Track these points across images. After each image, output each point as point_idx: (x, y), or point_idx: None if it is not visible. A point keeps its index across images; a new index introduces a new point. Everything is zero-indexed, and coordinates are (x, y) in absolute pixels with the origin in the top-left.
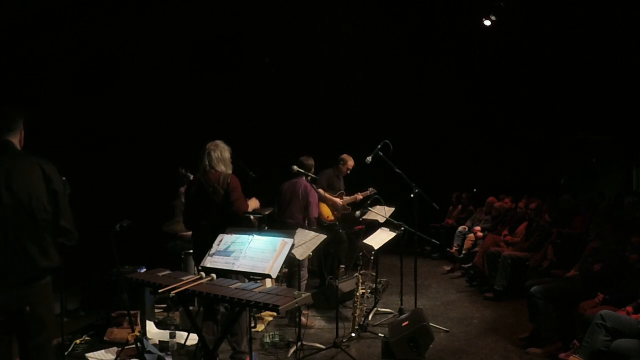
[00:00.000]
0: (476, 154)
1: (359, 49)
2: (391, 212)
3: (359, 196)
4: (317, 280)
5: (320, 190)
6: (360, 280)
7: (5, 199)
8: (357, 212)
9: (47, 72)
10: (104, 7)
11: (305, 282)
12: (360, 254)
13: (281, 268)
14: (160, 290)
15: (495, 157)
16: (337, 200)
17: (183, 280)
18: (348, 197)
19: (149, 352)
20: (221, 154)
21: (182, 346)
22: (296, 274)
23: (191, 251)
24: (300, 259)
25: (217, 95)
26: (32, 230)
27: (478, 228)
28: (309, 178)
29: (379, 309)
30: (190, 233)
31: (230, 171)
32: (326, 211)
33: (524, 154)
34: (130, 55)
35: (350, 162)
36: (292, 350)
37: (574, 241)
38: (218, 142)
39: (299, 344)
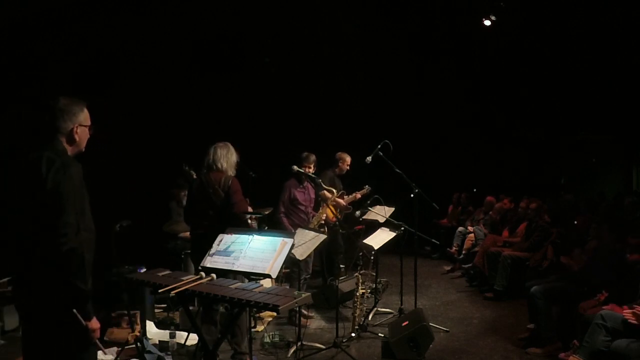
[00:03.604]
0: (476, 154)
1: (359, 49)
2: (391, 212)
3: (358, 195)
4: (318, 280)
5: (325, 192)
6: (360, 280)
7: (15, 207)
8: (357, 212)
9: (47, 72)
10: (104, 7)
11: (305, 279)
12: (360, 254)
13: (281, 268)
14: (160, 290)
15: (495, 157)
16: (340, 200)
17: (183, 280)
18: (348, 197)
19: (149, 352)
20: (226, 154)
21: (182, 346)
22: (296, 274)
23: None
24: (300, 259)
25: (217, 95)
26: None
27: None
28: (308, 177)
29: (379, 309)
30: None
31: (232, 173)
32: (329, 213)
33: (524, 154)
34: (130, 55)
35: (348, 159)
36: (292, 350)
37: (575, 241)
38: (228, 143)
39: (299, 344)
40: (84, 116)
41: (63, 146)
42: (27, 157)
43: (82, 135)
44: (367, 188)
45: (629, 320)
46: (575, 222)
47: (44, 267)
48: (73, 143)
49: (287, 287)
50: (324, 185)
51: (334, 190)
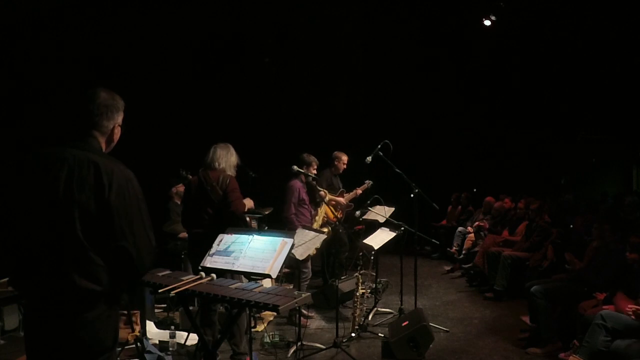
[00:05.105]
0: (476, 154)
1: (360, 48)
2: (391, 212)
3: (359, 191)
4: (318, 280)
5: (323, 192)
6: (360, 280)
7: (47, 210)
8: (357, 212)
9: (47, 72)
10: (104, 7)
11: (308, 281)
12: (360, 254)
13: (281, 268)
14: (160, 290)
15: (495, 157)
16: (340, 199)
17: (183, 280)
18: (348, 194)
19: (149, 352)
20: (226, 155)
21: (182, 346)
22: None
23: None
24: (300, 259)
25: (217, 95)
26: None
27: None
28: (309, 178)
29: (379, 309)
30: None
31: (231, 174)
32: (328, 212)
33: (524, 154)
34: (131, 56)
35: (345, 158)
36: (292, 350)
37: (575, 241)
38: (229, 144)
39: (299, 344)
40: (122, 115)
41: (100, 146)
42: (59, 156)
43: (118, 136)
44: (367, 183)
45: (632, 317)
46: (572, 225)
47: (98, 285)
48: (110, 144)
49: (290, 287)
50: (318, 187)
51: (326, 191)
